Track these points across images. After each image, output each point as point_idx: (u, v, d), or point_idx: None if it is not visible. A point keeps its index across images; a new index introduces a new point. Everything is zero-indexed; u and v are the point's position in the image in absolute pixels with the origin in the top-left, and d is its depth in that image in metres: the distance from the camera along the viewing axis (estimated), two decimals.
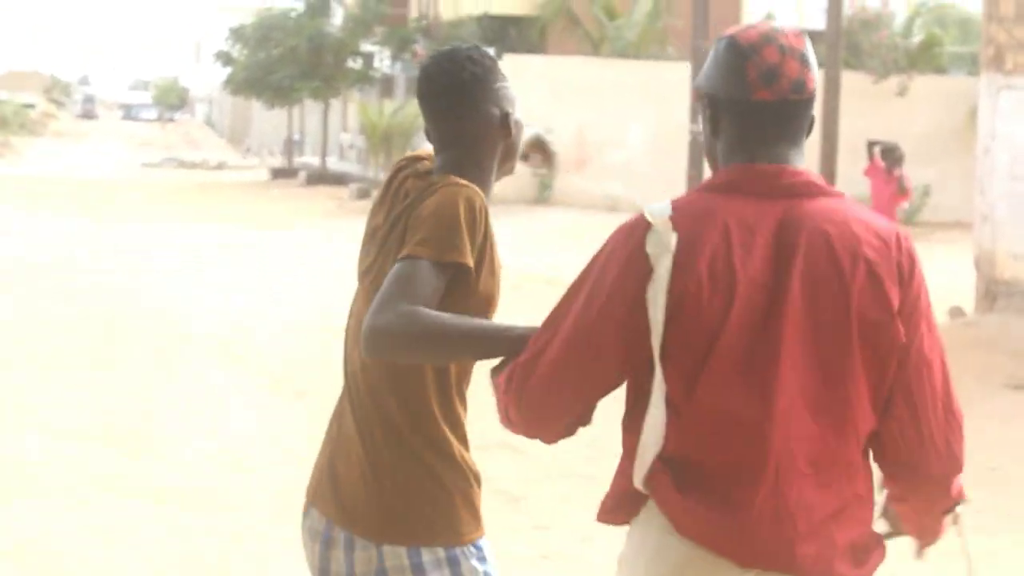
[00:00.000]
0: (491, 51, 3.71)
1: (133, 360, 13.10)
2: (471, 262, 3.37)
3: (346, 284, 16.27)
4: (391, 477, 3.46)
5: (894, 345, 2.95)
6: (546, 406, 3.02)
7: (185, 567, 7.25)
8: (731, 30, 3.08)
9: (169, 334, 14.57)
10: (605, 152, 33.65)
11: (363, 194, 37.43)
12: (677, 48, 34.85)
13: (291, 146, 51.29)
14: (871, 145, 17.83)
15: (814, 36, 23.97)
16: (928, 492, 3.10)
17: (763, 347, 2.90)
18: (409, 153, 3.76)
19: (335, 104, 49.28)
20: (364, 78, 45.67)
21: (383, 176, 37.33)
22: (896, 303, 2.94)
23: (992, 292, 17.19)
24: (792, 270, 2.91)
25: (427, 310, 3.21)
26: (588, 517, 7.68)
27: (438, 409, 3.48)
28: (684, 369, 2.92)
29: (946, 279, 19.46)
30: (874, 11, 36.25)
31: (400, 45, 44.40)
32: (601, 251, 3.03)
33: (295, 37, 43.67)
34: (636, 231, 2.96)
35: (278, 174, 47.72)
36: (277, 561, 7.38)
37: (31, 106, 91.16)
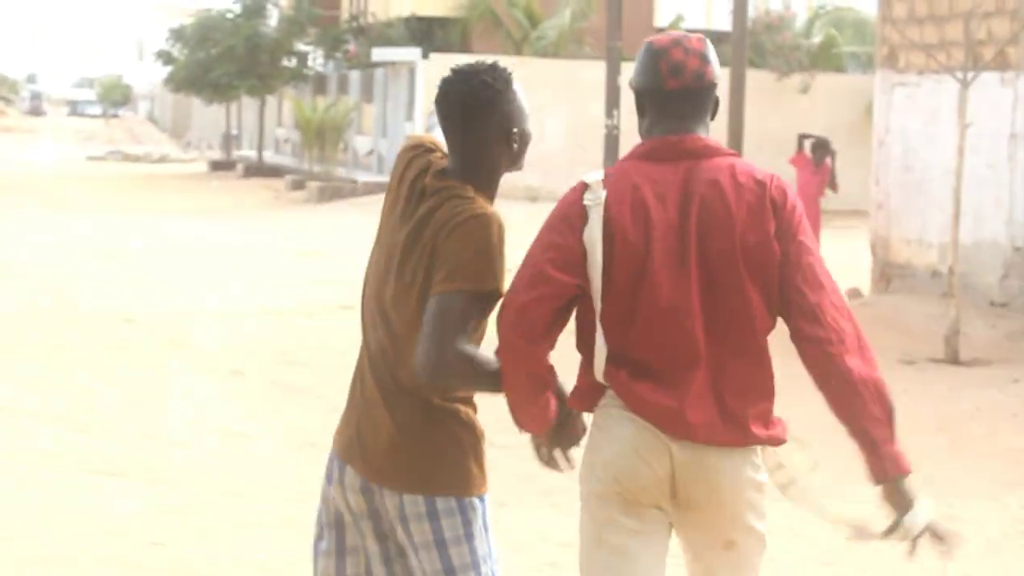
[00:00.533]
0: (418, 51, 3.78)
1: (78, 344, 12.95)
2: (504, 287, 3.72)
3: (281, 272, 16.09)
4: (416, 439, 3.78)
5: (772, 260, 3.66)
6: (523, 314, 3.63)
7: (126, 539, 7.15)
8: (650, 38, 3.84)
9: (112, 319, 14.41)
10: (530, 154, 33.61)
11: (298, 185, 37.20)
12: (593, 48, 34.86)
13: (229, 140, 50.94)
14: (802, 138, 17.86)
15: (721, 37, 24.07)
16: (844, 375, 3.65)
17: (680, 274, 3.65)
18: (416, 138, 4.01)
19: (271, 100, 49.01)
20: (298, 76, 45.45)
21: (316, 169, 37.19)
22: (771, 228, 3.66)
23: (887, 274, 17.32)
24: (691, 213, 3.67)
25: (481, 355, 3.67)
26: (505, 484, 7.60)
27: None
28: (624, 294, 3.66)
29: (844, 263, 19.59)
30: (777, 14, 36.42)
31: (332, 45, 44.19)
32: (554, 209, 3.79)
33: (232, 37, 43.35)
34: (576, 190, 3.75)
35: (217, 167, 47.38)
36: (216, 533, 7.30)
37: None
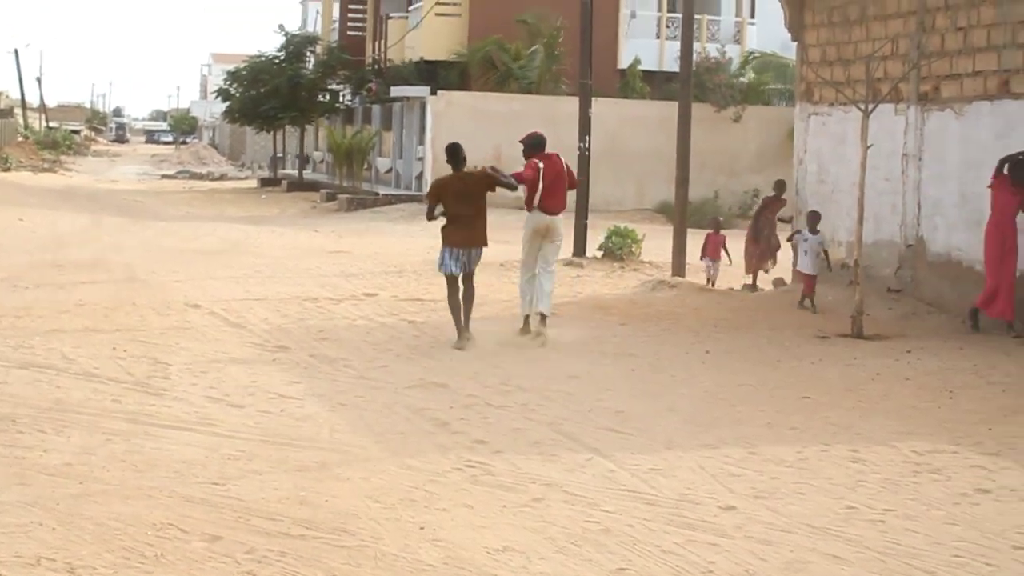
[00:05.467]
0: (427, 88, 4.36)
1: (154, 324, 12.91)
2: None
3: (316, 267, 15.84)
4: (482, 231, 12.09)
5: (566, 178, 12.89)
6: (535, 180, 12.63)
7: (192, 479, 7.13)
8: (535, 134, 13.24)
9: (181, 304, 14.37)
10: (515, 166, 33.46)
11: (331, 197, 37.09)
12: (568, 85, 34.78)
13: (275, 161, 50.80)
14: (1002, 162, 12.95)
15: (670, 77, 24.13)
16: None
17: (559, 181, 12.68)
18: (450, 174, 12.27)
19: (309, 129, 48.94)
20: (331, 109, 45.44)
21: (346, 184, 37.01)
22: (564, 170, 12.76)
23: None
24: (558, 168, 12.69)
25: (511, 180, 12.35)
26: (502, 436, 7.54)
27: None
28: (547, 185, 12.54)
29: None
30: (715, 59, 36.46)
31: (358, 84, 44.19)
32: (529, 164, 12.56)
33: (278, 78, 43.25)
34: (535, 163, 12.64)
35: (266, 183, 47.28)
36: (265, 475, 7.28)
37: (77, 132, 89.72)
